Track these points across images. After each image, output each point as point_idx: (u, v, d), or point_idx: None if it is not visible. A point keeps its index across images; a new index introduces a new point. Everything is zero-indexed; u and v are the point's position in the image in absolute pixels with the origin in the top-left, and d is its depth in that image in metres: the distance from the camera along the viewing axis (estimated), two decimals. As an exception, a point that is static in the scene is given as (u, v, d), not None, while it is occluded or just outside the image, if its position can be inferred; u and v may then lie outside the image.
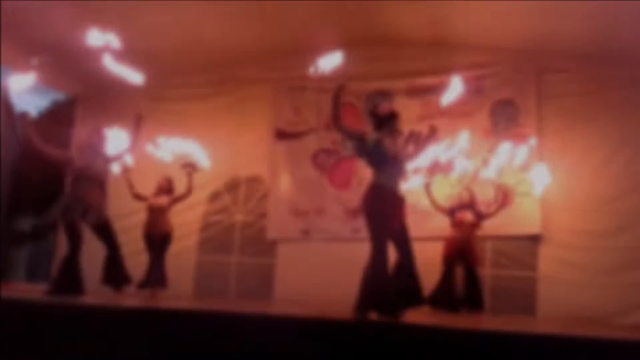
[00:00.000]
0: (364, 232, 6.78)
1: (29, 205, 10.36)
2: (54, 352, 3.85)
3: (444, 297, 6.31)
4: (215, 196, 7.64)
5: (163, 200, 6.69)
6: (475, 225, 6.49)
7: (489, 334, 3.71)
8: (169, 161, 6.82)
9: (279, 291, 7.22)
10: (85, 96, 8.79)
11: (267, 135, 7.79)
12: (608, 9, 5.71)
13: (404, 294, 4.41)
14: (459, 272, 6.51)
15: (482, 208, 6.63)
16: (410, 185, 6.40)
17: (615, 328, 5.40)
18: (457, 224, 6.52)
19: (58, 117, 10.17)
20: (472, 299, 6.45)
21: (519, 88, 7.04)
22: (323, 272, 6.85)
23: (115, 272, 5.78)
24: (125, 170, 6.62)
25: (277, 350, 3.58)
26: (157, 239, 6.61)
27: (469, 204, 6.56)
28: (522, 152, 6.60)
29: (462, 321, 5.01)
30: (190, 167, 6.71)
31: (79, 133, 8.52)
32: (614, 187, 6.60)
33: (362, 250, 6.50)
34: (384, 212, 4.34)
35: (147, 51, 7.17)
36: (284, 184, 7.61)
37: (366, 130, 4.66)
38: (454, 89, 5.53)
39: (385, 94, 7.49)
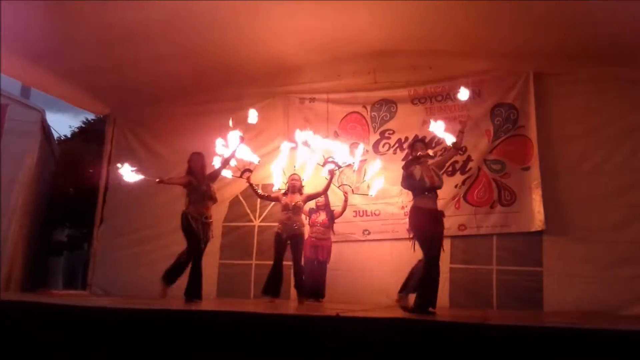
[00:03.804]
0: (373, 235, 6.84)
1: (64, 218, 10.33)
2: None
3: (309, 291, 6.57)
4: (234, 204, 7.46)
5: (298, 198, 6.49)
6: (326, 225, 6.76)
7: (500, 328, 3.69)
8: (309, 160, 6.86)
9: (293, 291, 7.03)
10: (116, 115, 8.89)
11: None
12: (601, 10, 5.59)
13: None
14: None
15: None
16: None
17: (620, 320, 5.15)
18: (311, 225, 6.81)
19: (90, 135, 10.21)
20: (319, 289, 6.70)
21: (517, 91, 6.98)
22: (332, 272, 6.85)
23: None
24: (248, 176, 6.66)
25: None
26: (293, 239, 6.36)
27: (324, 206, 6.81)
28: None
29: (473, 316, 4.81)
30: (332, 166, 6.39)
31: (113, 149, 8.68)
32: (613, 184, 6.46)
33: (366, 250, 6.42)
34: (426, 228, 5.00)
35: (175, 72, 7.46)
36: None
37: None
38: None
39: (390, 102, 7.34)
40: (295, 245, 6.37)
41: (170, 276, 5.97)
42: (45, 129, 8.84)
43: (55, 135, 10.61)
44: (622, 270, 6.13)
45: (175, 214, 7.52)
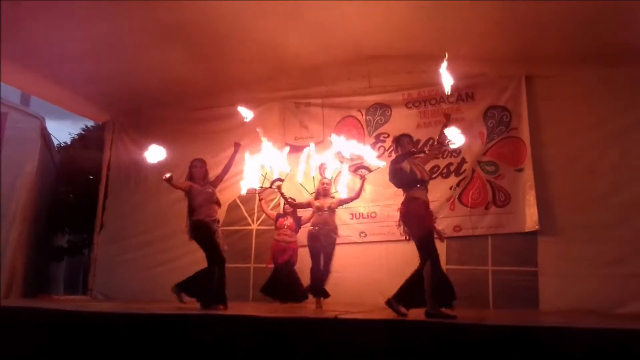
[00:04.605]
0: (370, 237, 6.80)
1: (64, 223, 10.28)
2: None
3: (272, 290, 6.74)
4: (232, 208, 7.42)
5: (330, 201, 6.44)
6: (293, 229, 6.84)
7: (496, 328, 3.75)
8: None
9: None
10: (115, 121, 8.89)
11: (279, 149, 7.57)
12: (590, 13, 5.61)
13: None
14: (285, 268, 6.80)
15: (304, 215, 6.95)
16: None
17: (615, 318, 5.12)
18: (278, 228, 6.89)
19: (89, 142, 10.16)
20: (297, 291, 6.71)
21: (510, 93, 6.99)
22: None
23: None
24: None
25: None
26: (326, 242, 6.29)
27: (291, 211, 6.89)
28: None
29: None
30: (364, 171, 6.29)
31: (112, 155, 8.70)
32: (606, 183, 6.46)
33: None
34: (425, 219, 4.78)
35: (173, 79, 7.48)
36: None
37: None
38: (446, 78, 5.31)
39: (385, 106, 7.34)
40: (328, 249, 6.32)
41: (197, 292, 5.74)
42: (45, 137, 8.83)
43: (55, 142, 10.58)
44: (616, 269, 6.12)
45: (174, 218, 7.56)
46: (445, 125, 5.17)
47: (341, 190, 6.76)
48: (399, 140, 5.14)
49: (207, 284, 5.63)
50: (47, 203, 9.47)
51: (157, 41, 6.60)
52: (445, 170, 7.04)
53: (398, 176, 4.92)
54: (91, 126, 11.07)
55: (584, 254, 6.30)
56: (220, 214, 7.68)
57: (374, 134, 7.46)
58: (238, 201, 7.71)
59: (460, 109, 7.12)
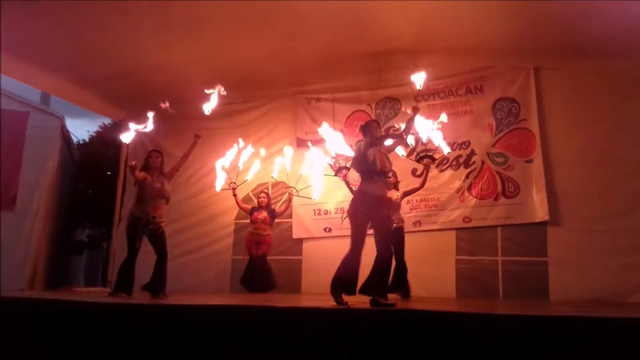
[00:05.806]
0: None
1: (84, 218, 10.35)
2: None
3: (247, 281, 6.83)
4: (245, 201, 7.38)
5: (396, 195, 6.20)
6: (267, 222, 6.98)
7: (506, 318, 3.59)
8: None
9: (305, 284, 7.03)
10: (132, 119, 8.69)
11: (290, 144, 7.72)
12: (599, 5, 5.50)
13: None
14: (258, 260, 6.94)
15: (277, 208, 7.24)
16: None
17: (626, 307, 5.05)
18: (253, 221, 7.00)
19: (107, 139, 10.19)
20: (267, 281, 6.85)
21: (518, 85, 6.91)
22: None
23: (159, 279, 5.68)
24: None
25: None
26: (395, 235, 5.83)
27: (266, 205, 7.05)
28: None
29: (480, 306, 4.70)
30: (429, 159, 6.06)
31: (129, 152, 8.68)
32: (615, 174, 6.34)
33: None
34: (363, 214, 4.54)
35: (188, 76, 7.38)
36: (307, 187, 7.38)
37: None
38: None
39: (394, 100, 7.25)
40: (397, 242, 5.87)
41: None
42: (65, 135, 8.90)
43: (75, 140, 10.64)
44: (627, 259, 6.02)
45: (190, 212, 7.55)
46: (411, 120, 4.94)
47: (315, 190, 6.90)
48: (366, 126, 4.88)
49: (121, 272, 5.66)
50: (68, 199, 9.55)
51: (172, 39, 6.58)
52: (454, 162, 6.98)
53: (360, 162, 4.66)
54: (109, 124, 11.12)
55: (594, 243, 6.20)
56: (235, 208, 7.72)
57: (384, 128, 7.35)
58: (251, 195, 7.67)
59: (469, 102, 7.06)
